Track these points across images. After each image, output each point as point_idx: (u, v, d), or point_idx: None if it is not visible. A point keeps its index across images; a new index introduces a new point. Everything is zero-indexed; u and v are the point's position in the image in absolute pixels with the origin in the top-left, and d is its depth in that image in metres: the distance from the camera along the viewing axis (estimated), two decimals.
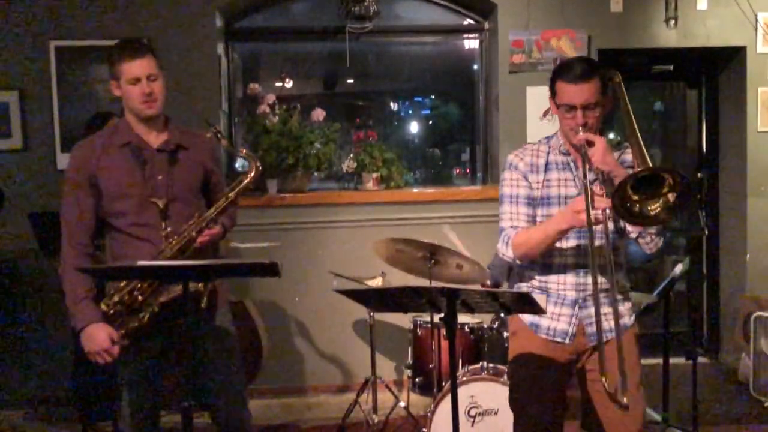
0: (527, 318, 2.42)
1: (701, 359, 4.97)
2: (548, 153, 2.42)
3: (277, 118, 4.60)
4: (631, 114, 2.28)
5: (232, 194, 2.52)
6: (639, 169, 2.12)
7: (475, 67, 5.07)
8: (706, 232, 4.11)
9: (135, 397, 2.51)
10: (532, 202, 2.39)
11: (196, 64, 4.43)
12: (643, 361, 2.47)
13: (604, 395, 2.34)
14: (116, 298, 2.42)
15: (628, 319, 2.42)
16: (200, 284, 2.41)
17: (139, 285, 2.41)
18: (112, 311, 2.43)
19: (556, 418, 2.40)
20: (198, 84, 4.41)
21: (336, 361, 4.63)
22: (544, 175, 2.40)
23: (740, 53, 4.83)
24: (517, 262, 2.37)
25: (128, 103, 2.48)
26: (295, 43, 5.07)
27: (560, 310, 2.37)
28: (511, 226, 2.39)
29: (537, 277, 2.42)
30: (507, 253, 2.36)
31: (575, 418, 2.60)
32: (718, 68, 5.09)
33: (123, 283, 2.43)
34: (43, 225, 3.30)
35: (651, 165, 2.13)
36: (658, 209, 2.08)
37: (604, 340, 2.30)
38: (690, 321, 4.03)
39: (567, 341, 2.37)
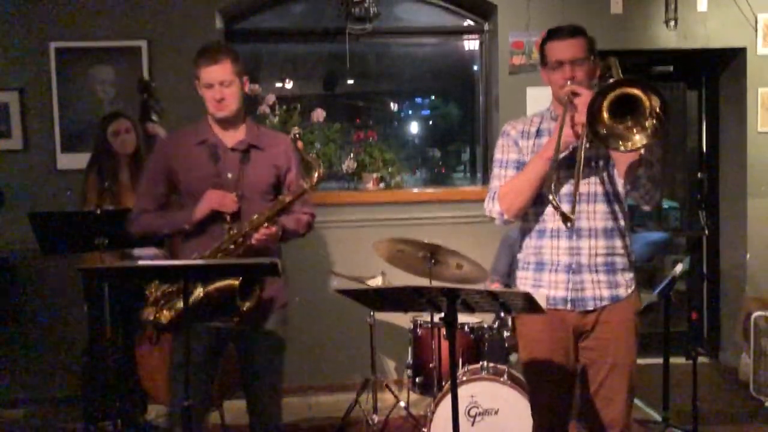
0: (529, 288, 2.43)
1: (701, 359, 4.97)
2: (541, 122, 2.48)
3: (277, 118, 4.60)
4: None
5: (287, 198, 2.56)
6: (613, 80, 2.12)
7: (475, 68, 5.08)
8: (706, 232, 4.13)
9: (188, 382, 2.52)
10: (522, 167, 2.42)
11: None
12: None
13: (592, 373, 2.38)
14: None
15: (624, 291, 2.39)
16: (236, 281, 2.44)
17: None
18: (159, 293, 2.52)
19: (568, 391, 2.44)
20: None
21: (336, 361, 4.63)
22: (534, 140, 2.45)
23: (740, 54, 4.83)
24: (504, 217, 2.40)
25: (205, 104, 2.61)
26: (295, 44, 5.07)
27: (556, 276, 2.40)
28: (499, 186, 2.44)
29: (533, 243, 2.45)
30: (494, 207, 2.42)
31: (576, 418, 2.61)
32: (718, 69, 5.10)
33: None
34: (43, 225, 3.29)
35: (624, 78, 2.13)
36: (640, 134, 2.08)
37: (599, 306, 2.35)
38: (690, 321, 4.02)
39: (568, 307, 2.37)
